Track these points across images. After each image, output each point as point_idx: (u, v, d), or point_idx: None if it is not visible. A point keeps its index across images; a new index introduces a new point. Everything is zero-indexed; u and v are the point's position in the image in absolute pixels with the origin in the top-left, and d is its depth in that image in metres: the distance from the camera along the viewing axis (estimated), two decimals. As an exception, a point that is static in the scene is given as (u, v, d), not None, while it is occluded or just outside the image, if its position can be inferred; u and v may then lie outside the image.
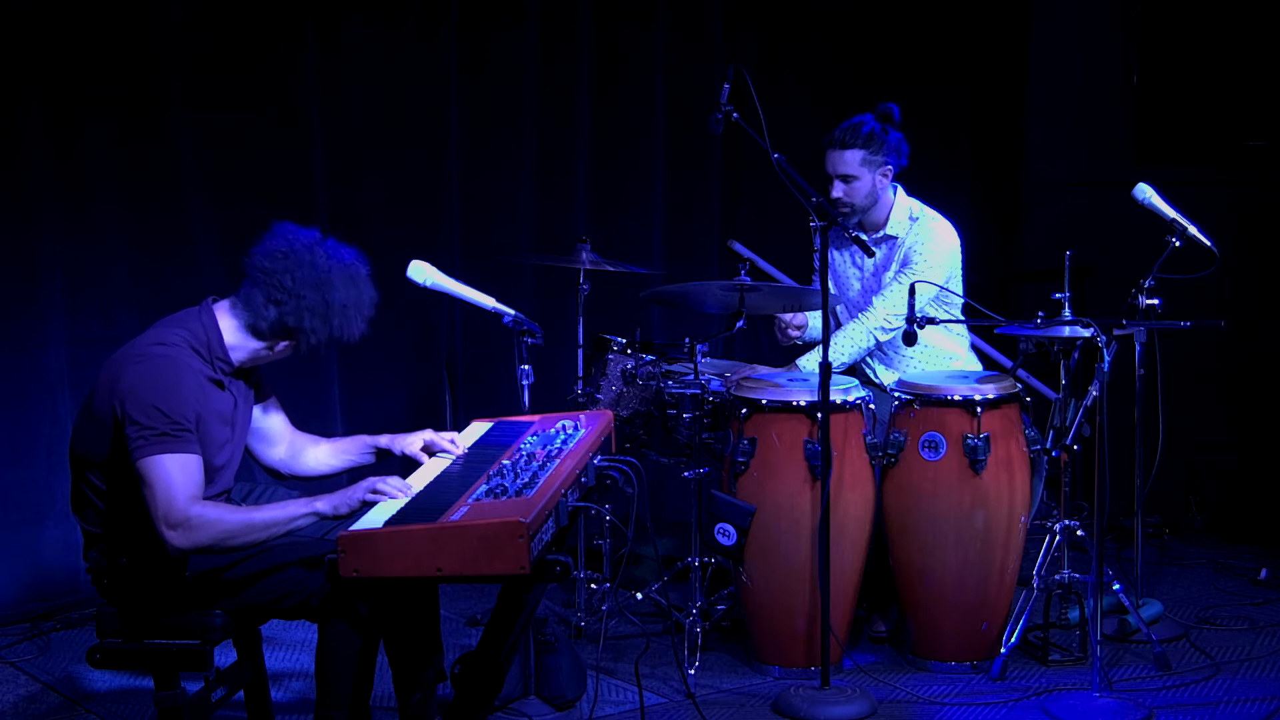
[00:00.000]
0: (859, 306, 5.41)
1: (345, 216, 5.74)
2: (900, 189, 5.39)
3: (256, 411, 4.14)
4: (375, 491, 3.74)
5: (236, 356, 3.93)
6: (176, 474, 3.67)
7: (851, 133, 5.27)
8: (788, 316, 5.45)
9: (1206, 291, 5.37)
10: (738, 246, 6.48)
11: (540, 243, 6.37)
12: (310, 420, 4.63)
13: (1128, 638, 5.23)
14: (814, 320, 5.51)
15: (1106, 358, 4.67)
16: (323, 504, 3.76)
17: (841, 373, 5.24)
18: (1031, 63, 7.29)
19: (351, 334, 3.93)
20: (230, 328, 3.91)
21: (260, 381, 4.15)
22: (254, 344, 3.92)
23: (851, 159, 5.26)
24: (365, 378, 6.12)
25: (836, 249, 5.45)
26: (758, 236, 6.64)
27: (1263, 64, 6.68)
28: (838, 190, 5.29)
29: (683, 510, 5.74)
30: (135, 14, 5.48)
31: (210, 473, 3.84)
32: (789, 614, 4.96)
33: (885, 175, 5.31)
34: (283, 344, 3.93)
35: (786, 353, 5.59)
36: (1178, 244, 5.14)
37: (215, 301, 3.94)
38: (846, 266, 5.49)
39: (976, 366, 5.54)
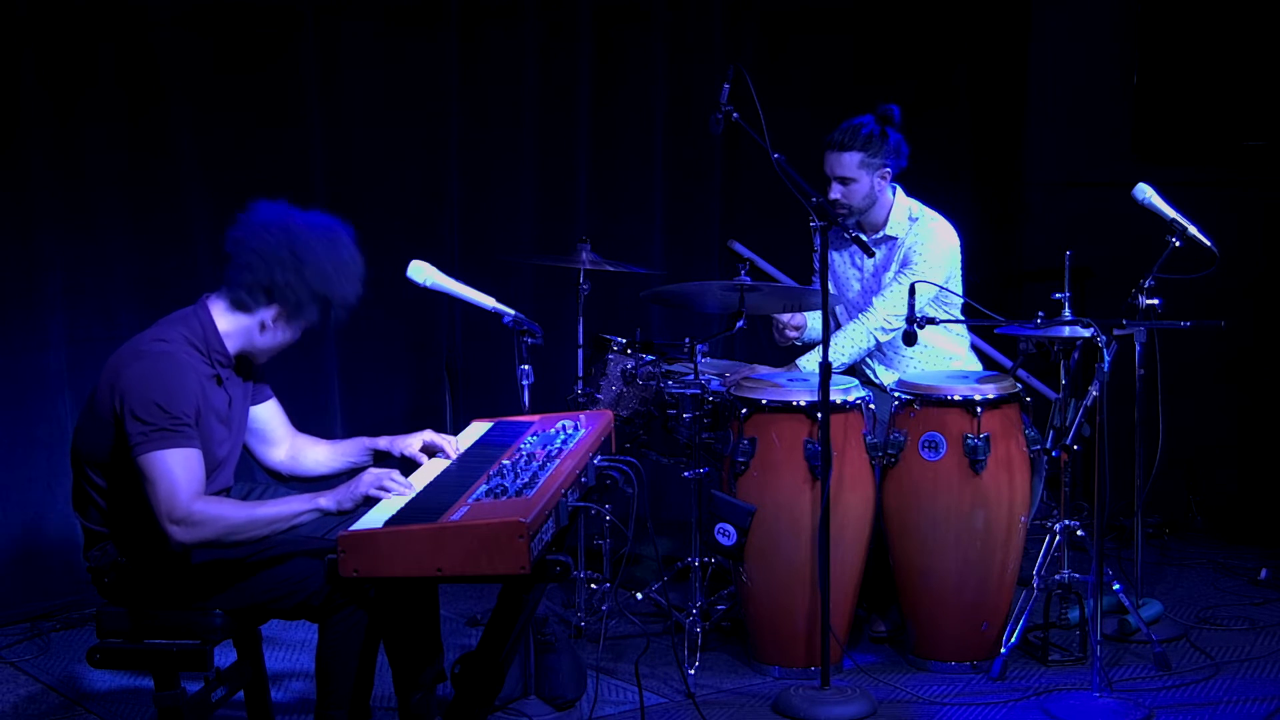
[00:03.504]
0: (859, 307, 5.40)
1: (345, 216, 5.69)
2: (900, 189, 5.38)
3: (258, 413, 4.14)
4: (380, 488, 3.75)
5: (232, 345, 3.93)
6: (178, 469, 3.67)
7: (850, 135, 5.26)
8: (785, 317, 5.45)
9: (1206, 291, 5.37)
10: (738, 246, 6.48)
11: (540, 243, 6.37)
12: (310, 420, 4.64)
13: (1128, 638, 5.23)
14: (812, 321, 5.51)
15: (1106, 358, 4.68)
16: (326, 500, 3.77)
17: (841, 373, 5.25)
18: (1031, 63, 7.29)
19: (337, 292, 3.90)
20: (221, 315, 3.92)
21: (261, 382, 4.16)
22: (243, 321, 3.91)
23: (849, 161, 5.26)
24: (365, 378, 6.12)
25: (836, 249, 5.45)
26: (758, 236, 6.64)
27: (1263, 64, 6.67)
28: (835, 191, 5.28)
29: (683, 510, 5.74)
30: (136, 14, 5.48)
31: (209, 469, 3.84)
32: (789, 614, 4.96)
33: (884, 177, 5.30)
34: (267, 311, 3.89)
35: (786, 353, 5.58)
36: (1178, 244, 5.14)
37: (209, 297, 3.96)
38: (846, 267, 5.49)
39: (976, 366, 5.55)
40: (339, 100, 5.92)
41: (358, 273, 3.97)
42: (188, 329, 3.89)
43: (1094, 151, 7.14)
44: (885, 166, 5.28)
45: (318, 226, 3.95)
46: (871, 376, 5.45)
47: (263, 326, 3.92)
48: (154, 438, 3.68)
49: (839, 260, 5.49)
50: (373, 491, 3.75)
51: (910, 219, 5.35)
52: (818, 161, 5.31)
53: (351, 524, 3.53)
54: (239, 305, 3.92)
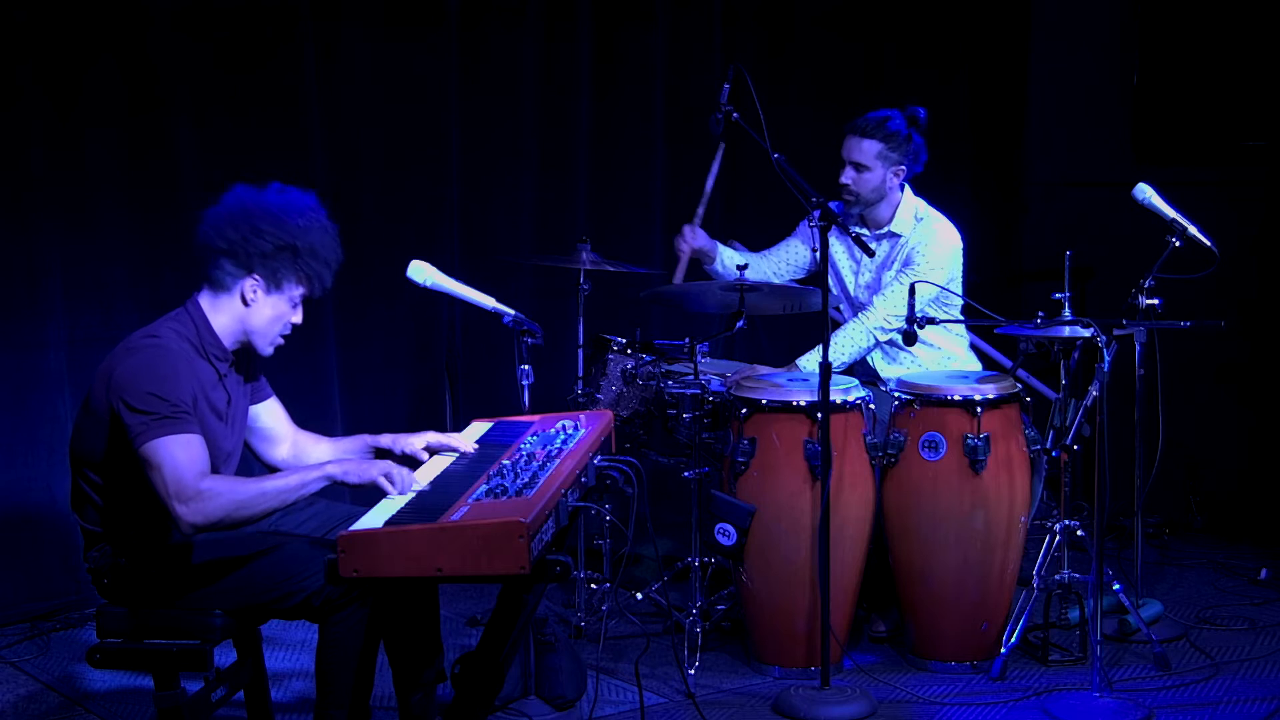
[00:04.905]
0: (859, 304, 5.41)
1: (345, 216, 5.70)
2: (908, 188, 5.39)
3: (259, 412, 4.14)
4: (389, 479, 3.75)
5: (227, 337, 3.93)
6: (181, 453, 3.67)
7: (875, 124, 5.26)
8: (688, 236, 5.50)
9: (1206, 291, 5.37)
10: (738, 247, 6.48)
11: (540, 243, 6.37)
12: (311, 420, 4.64)
13: (1128, 638, 5.24)
14: (725, 255, 5.53)
15: (1106, 358, 4.68)
16: (334, 467, 3.78)
17: (842, 372, 5.25)
18: (1032, 62, 7.30)
19: (303, 239, 3.87)
20: (210, 307, 3.92)
21: (260, 381, 4.16)
22: (228, 303, 3.91)
23: (869, 149, 5.26)
24: (365, 378, 6.12)
25: (838, 242, 5.45)
26: (758, 236, 6.63)
27: (1263, 64, 6.68)
28: (848, 176, 5.29)
29: (683, 510, 5.74)
30: (135, 14, 5.48)
31: (213, 466, 3.83)
32: (789, 614, 4.96)
33: (897, 174, 5.31)
34: (245, 281, 3.87)
35: (786, 353, 5.58)
36: (1178, 244, 5.14)
37: (197, 294, 3.96)
38: (846, 260, 5.48)
39: (976, 366, 5.55)
40: (339, 100, 5.92)
41: (319, 220, 3.94)
42: (181, 326, 3.90)
43: (1094, 151, 7.14)
44: (901, 164, 5.29)
45: (269, 188, 3.95)
46: (871, 366, 5.44)
47: (245, 301, 3.90)
48: (154, 426, 3.68)
49: (841, 254, 5.48)
50: (381, 480, 3.75)
51: (916, 219, 5.35)
52: (818, 161, 5.31)
53: (351, 524, 3.53)
54: (219, 286, 3.91)
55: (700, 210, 5.62)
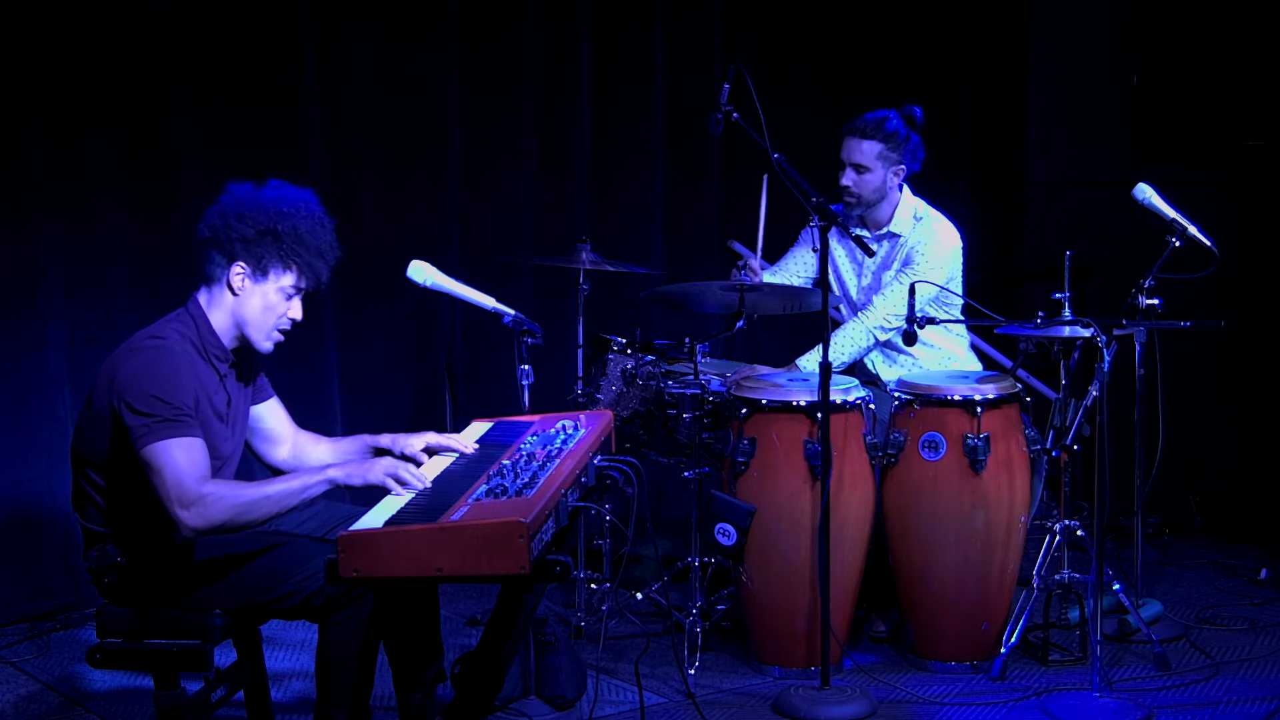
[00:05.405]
0: (859, 305, 5.41)
1: (345, 216, 5.70)
2: (907, 188, 5.39)
3: (260, 412, 4.14)
4: (394, 477, 3.75)
5: (225, 335, 3.93)
6: (182, 457, 3.67)
7: (874, 125, 5.26)
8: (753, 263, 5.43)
9: (1206, 291, 5.37)
10: (738, 246, 6.47)
11: (540, 243, 6.37)
12: (310, 420, 4.64)
13: (1128, 638, 5.24)
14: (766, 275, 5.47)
15: (1106, 358, 4.68)
16: (336, 471, 3.78)
17: (842, 372, 5.25)
18: (1032, 62, 7.29)
19: (284, 223, 3.87)
20: (208, 304, 3.93)
21: (261, 381, 4.16)
22: (220, 296, 3.91)
23: (869, 150, 5.26)
24: (365, 378, 6.12)
25: (838, 243, 5.45)
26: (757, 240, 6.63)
27: (1262, 64, 6.68)
28: (848, 178, 5.28)
29: (683, 510, 5.74)
30: (136, 15, 5.48)
31: (213, 467, 3.84)
32: (789, 614, 4.96)
33: (897, 174, 5.31)
34: (230, 269, 3.87)
35: (786, 353, 5.59)
36: (1178, 244, 5.15)
37: (196, 293, 3.96)
38: (847, 262, 5.48)
39: (976, 366, 5.55)
40: (339, 100, 5.92)
41: (306, 208, 3.94)
42: (183, 327, 3.90)
43: (1094, 151, 7.14)
44: (901, 164, 5.29)
45: (266, 185, 3.96)
46: (870, 368, 5.44)
47: (233, 290, 3.90)
48: (156, 429, 3.68)
49: (843, 257, 5.48)
50: (386, 481, 3.75)
51: (915, 218, 5.35)
52: (818, 161, 5.31)
53: (352, 524, 3.54)
54: (211, 280, 3.92)
55: (759, 248, 5.59)
